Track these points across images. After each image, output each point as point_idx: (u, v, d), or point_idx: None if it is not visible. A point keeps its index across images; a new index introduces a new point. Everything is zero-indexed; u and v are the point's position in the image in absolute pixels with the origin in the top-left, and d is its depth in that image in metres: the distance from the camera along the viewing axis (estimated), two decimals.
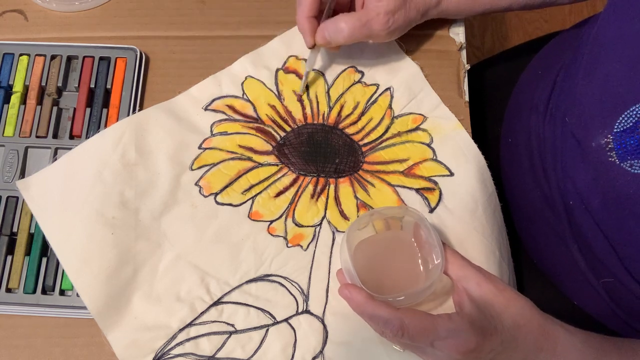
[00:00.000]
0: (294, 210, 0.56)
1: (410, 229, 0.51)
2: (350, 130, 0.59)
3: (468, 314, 0.44)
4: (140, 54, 0.60)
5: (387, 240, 0.53)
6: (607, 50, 0.47)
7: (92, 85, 0.60)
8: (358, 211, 0.56)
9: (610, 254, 0.50)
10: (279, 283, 0.53)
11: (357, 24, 0.54)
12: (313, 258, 0.54)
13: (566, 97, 0.54)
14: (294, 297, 0.53)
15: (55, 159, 0.56)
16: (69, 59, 0.61)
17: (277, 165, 0.57)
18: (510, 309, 0.45)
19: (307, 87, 0.60)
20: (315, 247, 0.55)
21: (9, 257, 0.54)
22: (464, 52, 0.63)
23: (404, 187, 0.57)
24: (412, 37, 0.61)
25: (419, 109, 0.60)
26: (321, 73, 0.61)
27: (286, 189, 0.56)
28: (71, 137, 0.58)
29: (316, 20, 0.56)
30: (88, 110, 0.59)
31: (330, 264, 0.54)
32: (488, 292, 0.45)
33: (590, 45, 0.50)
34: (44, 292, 0.53)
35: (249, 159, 0.57)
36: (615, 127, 0.45)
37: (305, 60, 0.61)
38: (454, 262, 0.47)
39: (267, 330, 0.52)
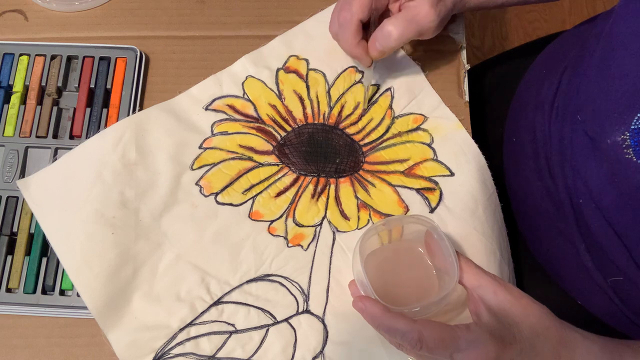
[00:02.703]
0: (295, 210, 0.56)
1: (419, 238, 0.50)
2: (350, 130, 0.59)
3: (486, 323, 0.44)
4: (140, 54, 0.60)
5: (397, 250, 0.52)
6: (622, 46, 0.47)
7: (92, 85, 0.59)
8: (358, 211, 0.56)
9: (621, 252, 0.49)
10: (279, 283, 0.53)
11: (404, 22, 0.53)
12: (313, 258, 0.54)
13: (575, 95, 0.53)
14: (294, 297, 0.53)
15: (55, 159, 0.55)
16: (69, 59, 0.61)
17: (277, 165, 0.57)
18: (528, 317, 0.44)
19: (307, 88, 0.60)
20: (316, 247, 0.55)
21: (9, 257, 0.54)
22: (464, 52, 0.63)
23: (404, 187, 0.57)
24: None
25: (420, 109, 0.60)
26: (322, 73, 0.61)
27: (286, 188, 0.56)
28: (71, 137, 0.58)
29: (365, 41, 0.55)
30: (88, 110, 0.59)
31: (330, 264, 0.54)
32: (505, 300, 0.44)
33: (603, 42, 0.49)
34: (44, 292, 0.53)
35: (250, 158, 0.57)
36: (633, 124, 0.45)
37: (307, 60, 0.61)
38: (469, 271, 0.46)
39: (268, 330, 0.52)
